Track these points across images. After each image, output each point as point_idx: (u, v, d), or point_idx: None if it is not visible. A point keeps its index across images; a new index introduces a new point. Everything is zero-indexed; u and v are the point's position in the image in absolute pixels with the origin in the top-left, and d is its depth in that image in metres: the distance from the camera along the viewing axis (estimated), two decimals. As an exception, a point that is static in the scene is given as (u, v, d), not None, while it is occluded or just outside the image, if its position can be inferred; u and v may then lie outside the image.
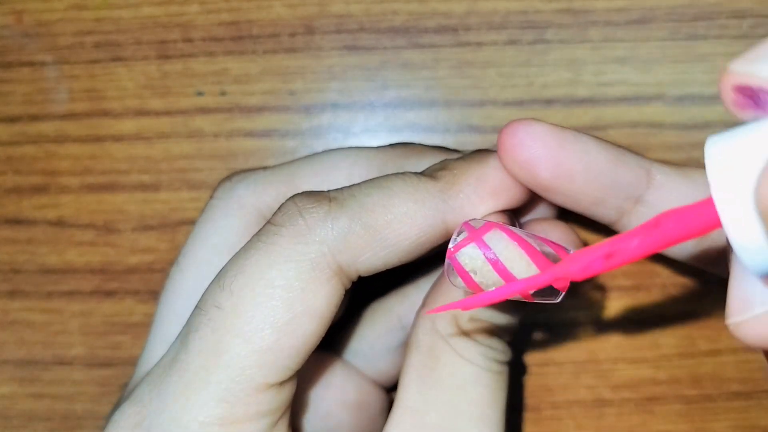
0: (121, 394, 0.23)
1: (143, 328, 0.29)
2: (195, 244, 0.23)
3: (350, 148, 0.24)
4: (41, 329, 0.29)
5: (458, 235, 0.19)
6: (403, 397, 0.21)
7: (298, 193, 0.20)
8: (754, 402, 0.28)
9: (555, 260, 0.18)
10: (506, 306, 0.21)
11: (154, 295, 0.29)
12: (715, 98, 0.27)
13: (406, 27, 0.28)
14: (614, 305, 0.28)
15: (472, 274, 0.18)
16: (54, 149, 0.29)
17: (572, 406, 0.28)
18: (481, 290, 0.18)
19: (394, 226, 0.19)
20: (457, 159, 0.21)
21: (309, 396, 0.24)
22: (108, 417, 0.20)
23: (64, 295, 0.29)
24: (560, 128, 0.20)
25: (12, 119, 0.29)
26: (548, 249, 0.19)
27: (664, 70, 0.27)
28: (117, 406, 0.21)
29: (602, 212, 0.21)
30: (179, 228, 0.29)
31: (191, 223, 0.28)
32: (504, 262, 0.18)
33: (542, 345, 0.28)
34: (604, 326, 0.28)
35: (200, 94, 0.28)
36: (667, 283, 0.28)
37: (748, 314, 0.15)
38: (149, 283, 0.29)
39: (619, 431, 0.28)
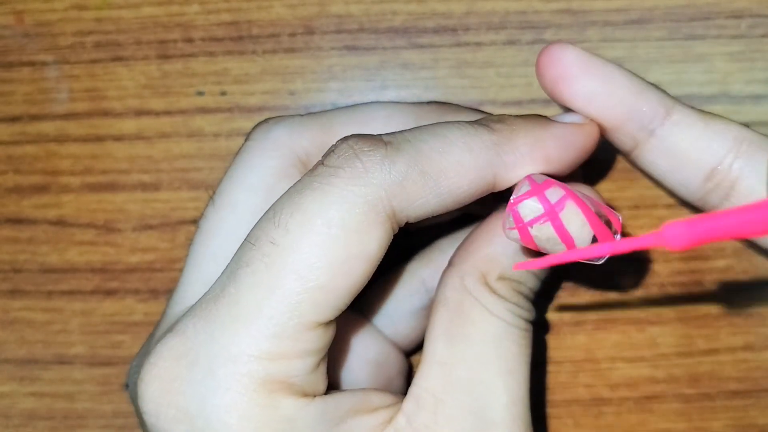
0: (146, 344, 0.23)
1: (144, 327, 0.29)
2: (231, 184, 0.23)
3: (386, 101, 0.24)
4: (42, 328, 0.29)
5: (521, 188, 0.19)
6: (431, 352, 0.21)
7: (351, 135, 0.20)
8: (752, 401, 0.28)
9: (606, 222, 0.19)
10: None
11: (154, 294, 0.29)
12: (714, 98, 0.27)
13: (405, 27, 0.28)
14: (613, 305, 0.28)
15: (528, 227, 0.19)
16: (54, 149, 0.29)
17: (571, 405, 0.28)
18: (534, 244, 0.19)
19: (449, 174, 0.19)
20: (517, 116, 0.21)
21: (334, 348, 0.24)
22: (137, 358, 0.20)
23: (64, 294, 0.29)
24: (590, 54, 0.21)
25: (13, 119, 0.29)
26: (601, 211, 0.19)
27: (662, 70, 0.27)
28: (147, 347, 0.21)
29: (618, 139, 0.22)
30: (180, 227, 0.29)
31: (192, 222, 0.29)
32: (561, 218, 0.19)
33: (541, 344, 0.28)
34: (602, 325, 0.28)
35: (200, 93, 0.28)
36: (666, 282, 0.28)
37: None
38: (150, 282, 0.29)
39: (617, 430, 0.28)
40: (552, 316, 0.28)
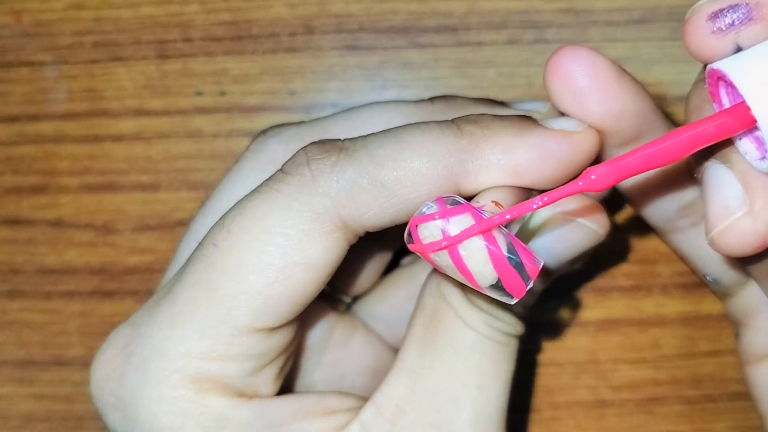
0: None
1: (142, 328, 0.29)
2: (221, 193, 0.23)
3: (387, 102, 0.23)
4: (40, 330, 0.29)
5: (428, 207, 0.18)
6: (402, 358, 0.20)
7: (312, 142, 0.19)
8: (755, 403, 0.28)
9: (516, 266, 0.18)
10: None
11: (153, 295, 0.29)
12: (716, 98, 0.27)
13: (405, 26, 0.28)
14: (614, 306, 0.28)
15: (427, 249, 0.18)
16: (53, 149, 0.29)
17: (573, 406, 0.28)
18: (436, 266, 0.18)
19: (404, 183, 0.18)
20: (495, 117, 0.19)
21: (329, 355, 0.24)
22: None
23: (63, 295, 0.29)
24: (617, 65, 0.19)
25: (11, 119, 0.29)
26: (515, 255, 0.18)
27: (664, 69, 0.27)
28: None
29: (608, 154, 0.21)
30: (178, 228, 0.29)
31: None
32: (461, 250, 0.17)
33: (543, 346, 0.28)
34: (604, 327, 0.28)
35: (199, 94, 0.28)
36: (668, 284, 0.28)
37: (728, 220, 0.16)
38: (148, 283, 0.29)
39: (619, 432, 0.28)
40: (554, 317, 0.28)
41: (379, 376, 0.24)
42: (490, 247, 0.17)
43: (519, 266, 0.18)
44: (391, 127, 0.21)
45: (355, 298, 0.26)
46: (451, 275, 0.18)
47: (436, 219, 0.17)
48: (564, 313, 0.28)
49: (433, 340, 0.20)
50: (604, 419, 0.28)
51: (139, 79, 0.28)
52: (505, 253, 0.17)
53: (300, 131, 0.23)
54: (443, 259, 0.18)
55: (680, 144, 0.16)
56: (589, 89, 0.19)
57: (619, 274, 0.28)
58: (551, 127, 0.19)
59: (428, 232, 0.17)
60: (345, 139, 0.19)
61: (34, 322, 0.29)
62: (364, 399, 0.21)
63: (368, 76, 0.28)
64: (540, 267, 0.18)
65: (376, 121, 0.23)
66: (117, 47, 0.29)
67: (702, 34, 0.16)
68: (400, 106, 0.23)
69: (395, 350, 0.25)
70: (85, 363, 0.29)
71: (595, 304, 0.28)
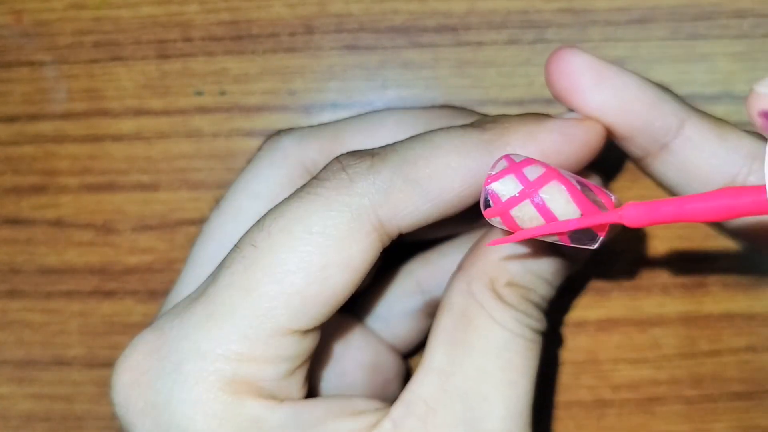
0: None
1: (142, 328, 0.29)
2: (237, 191, 0.23)
3: (396, 108, 0.24)
4: (40, 329, 0.29)
5: (497, 166, 0.18)
6: (429, 358, 0.20)
7: (344, 153, 0.20)
8: (755, 402, 0.28)
9: (595, 202, 0.18)
10: (547, 268, 0.21)
11: (153, 295, 0.29)
12: (717, 98, 0.27)
13: (406, 26, 0.28)
14: (614, 305, 0.28)
15: (508, 208, 0.18)
16: (53, 149, 0.29)
17: (572, 406, 0.28)
18: (516, 225, 0.18)
19: (437, 178, 0.19)
20: (510, 116, 0.20)
21: (327, 353, 0.24)
22: None
23: (63, 295, 0.29)
24: (604, 62, 0.20)
25: (11, 119, 0.29)
26: (589, 189, 0.18)
27: (664, 69, 0.27)
28: None
29: (628, 147, 0.22)
30: (178, 228, 0.29)
31: (191, 223, 0.28)
32: (543, 195, 0.18)
33: (543, 346, 0.28)
34: (604, 327, 0.28)
35: (199, 93, 0.28)
36: (668, 284, 0.28)
37: None
38: (148, 283, 0.29)
39: (619, 432, 0.28)
40: (554, 317, 0.28)
41: (378, 372, 0.25)
42: (568, 186, 0.18)
43: (596, 201, 0.18)
44: (401, 130, 0.22)
45: (352, 296, 0.26)
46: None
47: (509, 174, 0.18)
48: (564, 313, 0.28)
49: (462, 340, 0.20)
50: (603, 419, 0.28)
51: (139, 79, 0.28)
52: (582, 191, 0.18)
53: (313, 131, 0.24)
54: (526, 211, 0.18)
55: (718, 208, 0.16)
56: (570, 89, 0.20)
57: (619, 274, 0.28)
58: (563, 117, 0.21)
59: (506, 189, 0.18)
60: (373, 148, 0.20)
61: (34, 322, 0.29)
62: (386, 403, 0.21)
63: (368, 76, 0.28)
64: (614, 199, 0.18)
65: (386, 123, 0.23)
66: (117, 47, 0.28)
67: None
68: (408, 110, 0.24)
69: (392, 347, 0.25)
70: (85, 363, 0.29)
71: (595, 304, 0.28)
